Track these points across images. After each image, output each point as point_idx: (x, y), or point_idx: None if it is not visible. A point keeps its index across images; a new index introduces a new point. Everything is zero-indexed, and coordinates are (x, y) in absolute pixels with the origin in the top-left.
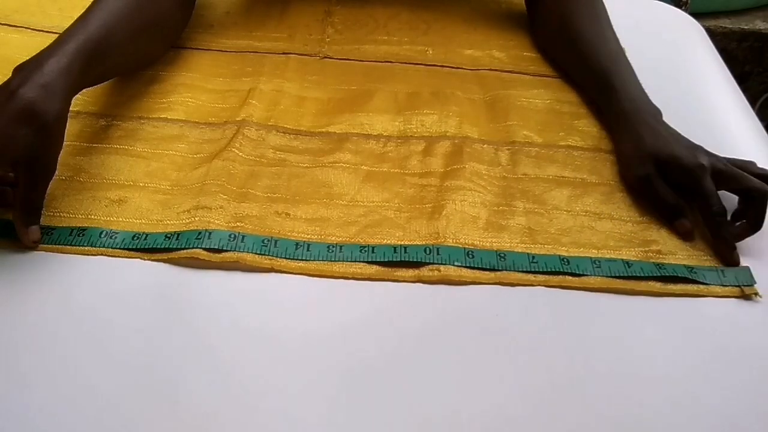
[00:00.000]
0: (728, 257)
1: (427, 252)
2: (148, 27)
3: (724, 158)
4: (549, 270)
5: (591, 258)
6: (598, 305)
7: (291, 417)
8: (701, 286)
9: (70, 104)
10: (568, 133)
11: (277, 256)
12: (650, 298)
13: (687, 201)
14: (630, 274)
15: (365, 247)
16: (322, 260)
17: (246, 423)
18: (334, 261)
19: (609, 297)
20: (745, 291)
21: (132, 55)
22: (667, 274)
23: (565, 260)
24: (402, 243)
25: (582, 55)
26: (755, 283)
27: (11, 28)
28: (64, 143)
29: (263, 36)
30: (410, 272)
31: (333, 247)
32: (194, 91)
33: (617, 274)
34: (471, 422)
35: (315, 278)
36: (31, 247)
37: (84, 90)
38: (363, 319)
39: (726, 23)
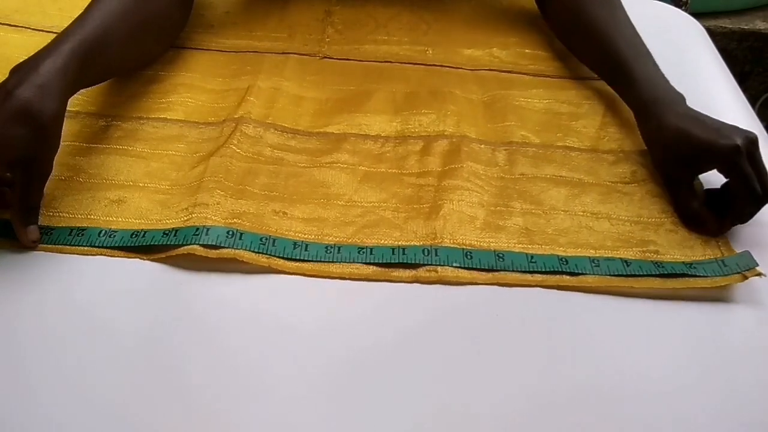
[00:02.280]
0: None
1: (426, 253)
2: (146, 26)
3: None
4: (548, 270)
5: (589, 257)
6: (597, 306)
7: (288, 416)
8: (701, 279)
9: (66, 104)
10: (566, 134)
11: (274, 255)
12: (649, 299)
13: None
14: (629, 273)
15: (363, 248)
16: (320, 260)
17: (244, 420)
18: (332, 262)
19: (608, 298)
20: (747, 275)
21: (129, 54)
22: (666, 272)
23: (563, 260)
24: (400, 244)
25: (599, 43)
26: (757, 264)
27: (11, 28)
28: (64, 143)
29: (263, 36)
30: (407, 273)
31: (331, 247)
32: (194, 91)
33: (616, 273)
34: (468, 422)
35: (313, 279)
36: (30, 246)
37: (83, 90)
38: (361, 319)
39: (726, 23)
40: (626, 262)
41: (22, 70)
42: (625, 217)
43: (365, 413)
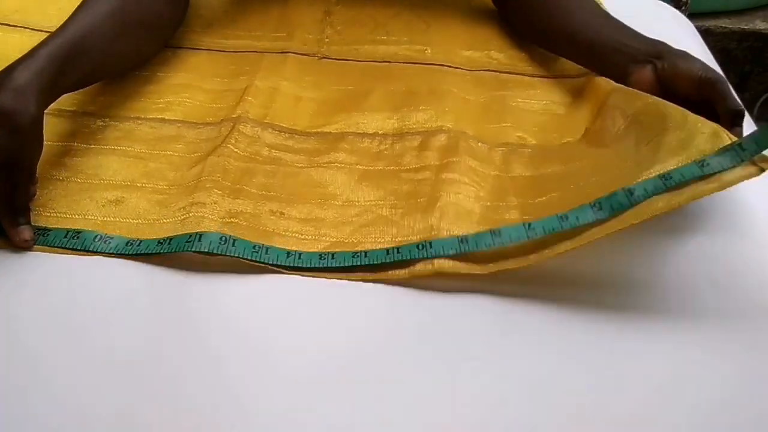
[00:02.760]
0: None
1: (420, 248)
2: (134, 27)
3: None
4: (547, 232)
5: (590, 204)
6: (593, 305)
7: (287, 416)
8: (717, 177)
9: (44, 107)
10: (562, 135)
11: (268, 264)
12: (649, 296)
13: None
14: (633, 201)
15: (357, 253)
16: (314, 267)
17: (241, 420)
18: (327, 269)
19: (607, 298)
20: (763, 166)
21: (116, 56)
22: (674, 184)
23: (563, 217)
24: (396, 241)
25: (567, 25)
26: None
27: (11, 28)
28: (62, 143)
29: (262, 36)
30: (403, 271)
31: (324, 255)
32: (192, 92)
33: (620, 208)
34: (468, 423)
35: (310, 279)
36: (23, 246)
37: (80, 90)
38: (359, 320)
39: (726, 23)
40: (630, 191)
41: None
42: (622, 161)
43: (363, 413)
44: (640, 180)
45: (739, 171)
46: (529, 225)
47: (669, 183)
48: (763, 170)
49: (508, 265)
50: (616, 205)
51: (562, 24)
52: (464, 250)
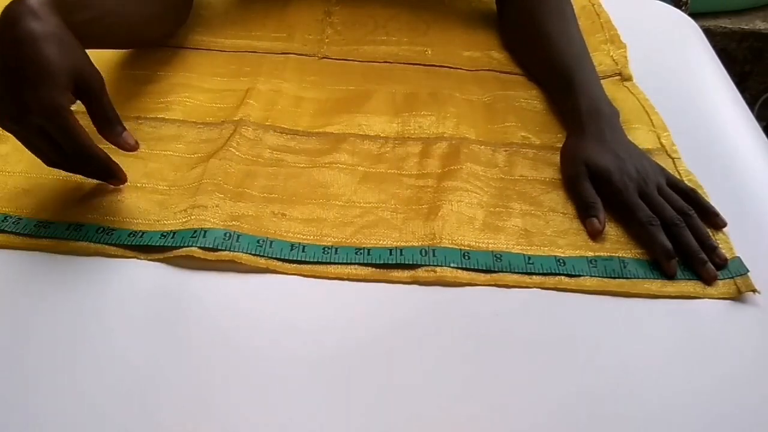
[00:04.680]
0: (666, 266)
1: (423, 254)
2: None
3: (670, 178)
4: (545, 271)
5: (587, 257)
6: (597, 305)
7: (285, 416)
8: (697, 288)
9: (60, 15)
10: (565, 135)
11: (271, 257)
12: (649, 299)
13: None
14: (625, 275)
15: (360, 249)
16: (318, 261)
17: (241, 420)
18: (330, 263)
19: (607, 297)
20: (741, 289)
21: (125, 14)
22: (660, 275)
23: (561, 261)
24: (398, 245)
25: (546, 52)
26: (748, 271)
27: None
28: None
29: (262, 36)
30: (406, 273)
31: (328, 249)
32: (192, 91)
33: (613, 274)
34: (467, 423)
35: (311, 279)
36: (133, 149)
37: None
38: (359, 320)
39: (726, 23)
40: (623, 262)
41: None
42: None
43: (362, 414)
44: (635, 257)
45: (716, 291)
46: (529, 258)
47: (656, 274)
48: (740, 291)
49: (507, 280)
50: (609, 269)
51: (543, 53)
52: (466, 265)
